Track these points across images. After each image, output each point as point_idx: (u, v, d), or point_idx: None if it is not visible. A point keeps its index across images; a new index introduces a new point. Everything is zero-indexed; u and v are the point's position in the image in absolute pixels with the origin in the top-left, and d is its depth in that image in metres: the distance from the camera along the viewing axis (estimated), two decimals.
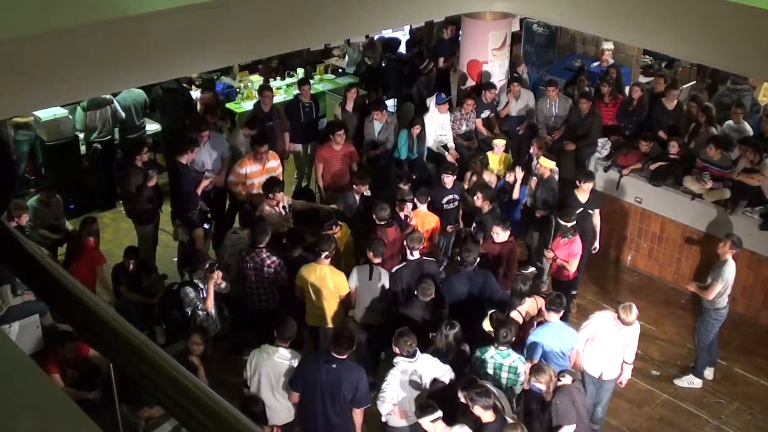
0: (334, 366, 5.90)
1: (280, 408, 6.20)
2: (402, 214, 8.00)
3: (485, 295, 7.18)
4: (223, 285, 7.13)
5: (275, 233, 7.69)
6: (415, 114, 10.46)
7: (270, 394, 6.14)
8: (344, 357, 5.94)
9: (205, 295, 6.96)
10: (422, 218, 8.07)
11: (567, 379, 6.05)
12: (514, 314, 6.87)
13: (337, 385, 5.91)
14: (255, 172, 8.66)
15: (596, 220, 8.54)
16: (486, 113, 10.26)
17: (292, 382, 6.03)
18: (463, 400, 5.73)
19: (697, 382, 7.86)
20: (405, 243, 7.30)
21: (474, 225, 8.39)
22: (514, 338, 6.33)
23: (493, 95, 10.13)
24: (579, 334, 6.81)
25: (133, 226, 8.89)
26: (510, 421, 5.66)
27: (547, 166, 8.73)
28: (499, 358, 6.27)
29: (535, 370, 6.05)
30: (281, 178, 8.92)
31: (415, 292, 6.83)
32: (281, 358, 6.10)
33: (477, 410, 5.65)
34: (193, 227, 7.96)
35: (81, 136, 10.02)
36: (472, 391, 5.64)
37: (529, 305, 7.01)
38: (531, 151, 9.16)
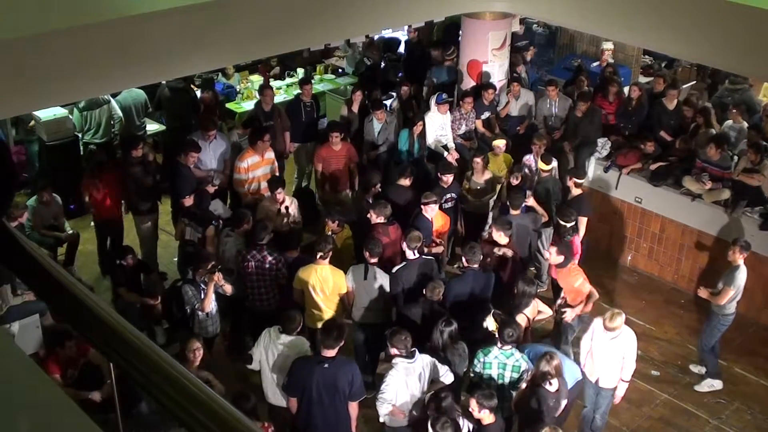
0: (326, 365, 5.91)
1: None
2: (428, 215, 7.91)
3: (487, 295, 7.19)
4: (227, 287, 7.12)
5: (274, 231, 7.70)
6: (419, 110, 10.45)
7: (270, 373, 6.24)
8: (335, 355, 5.95)
9: (204, 295, 6.95)
10: (434, 218, 8.06)
11: (551, 386, 6.01)
12: (520, 318, 6.85)
13: (333, 383, 5.91)
14: (255, 163, 8.76)
15: (580, 229, 8.31)
16: (486, 114, 10.25)
17: (288, 389, 6.05)
18: (474, 406, 5.74)
19: (717, 384, 7.77)
20: (404, 243, 7.29)
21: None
22: (517, 337, 6.34)
23: (492, 96, 10.11)
24: (582, 341, 6.81)
25: (134, 224, 8.90)
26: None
27: (543, 168, 8.72)
28: (503, 358, 6.28)
29: (548, 360, 6.02)
30: (277, 172, 9.06)
31: (424, 291, 6.82)
32: (283, 344, 6.18)
33: (483, 413, 5.71)
34: (206, 225, 7.96)
35: (80, 136, 10.04)
36: (480, 396, 5.68)
37: (531, 307, 7.00)
38: (533, 149, 9.13)
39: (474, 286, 7.14)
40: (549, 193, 8.74)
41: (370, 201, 8.20)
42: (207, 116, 9.79)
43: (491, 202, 9.11)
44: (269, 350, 6.23)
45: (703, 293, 7.60)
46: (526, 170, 9.08)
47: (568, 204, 8.31)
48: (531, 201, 8.38)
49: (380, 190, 8.36)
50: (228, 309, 7.70)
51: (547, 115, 10.26)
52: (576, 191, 8.42)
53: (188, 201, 8.13)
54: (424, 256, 7.34)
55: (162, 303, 7.66)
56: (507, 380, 6.31)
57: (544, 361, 5.99)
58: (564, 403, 6.23)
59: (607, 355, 6.66)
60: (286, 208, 8.25)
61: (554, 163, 8.91)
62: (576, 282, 7.27)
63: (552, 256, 7.33)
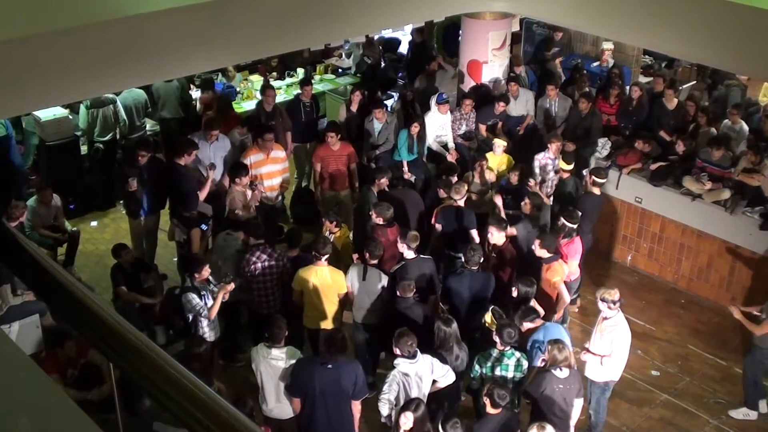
0: (330, 366, 5.91)
1: (285, 404, 6.23)
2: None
3: (485, 295, 7.18)
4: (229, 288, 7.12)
5: (243, 218, 7.90)
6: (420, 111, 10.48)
7: (273, 391, 6.19)
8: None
9: (207, 300, 6.94)
10: None
11: (561, 373, 6.03)
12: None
13: (336, 383, 5.91)
14: (259, 161, 8.78)
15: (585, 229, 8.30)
16: (493, 121, 10.23)
17: (290, 389, 6.03)
18: (485, 400, 5.80)
19: (753, 414, 7.55)
20: (401, 242, 7.29)
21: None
22: (517, 337, 6.35)
23: (503, 108, 10.05)
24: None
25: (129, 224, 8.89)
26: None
27: (564, 168, 8.69)
28: (505, 359, 6.30)
29: (560, 348, 6.04)
30: (287, 171, 9.16)
31: (397, 292, 6.82)
32: (275, 360, 6.12)
33: (489, 407, 5.77)
34: (190, 227, 7.96)
35: (83, 136, 10.03)
36: (497, 396, 5.73)
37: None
38: (549, 147, 9.11)
39: (471, 286, 7.14)
40: (572, 194, 8.68)
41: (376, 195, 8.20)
42: (210, 117, 9.79)
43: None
44: (262, 368, 6.16)
45: (736, 314, 7.22)
46: (538, 169, 9.06)
47: (581, 201, 8.32)
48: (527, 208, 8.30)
49: (387, 188, 8.36)
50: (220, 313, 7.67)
51: (547, 115, 10.26)
52: (595, 190, 8.38)
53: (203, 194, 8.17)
54: (422, 256, 7.34)
55: (161, 310, 7.63)
56: (509, 379, 6.33)
57: (556, 350, 6.03)
58: (575, 398, 6.21)
59: (594, 340, 6.71)
60: (251, 184, 8.29)
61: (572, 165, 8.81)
62: (554, 277, 7.28)
63: (536, 249, 7.35)
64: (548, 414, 6.03)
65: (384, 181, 8.33)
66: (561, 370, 6.03)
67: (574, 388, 6.14)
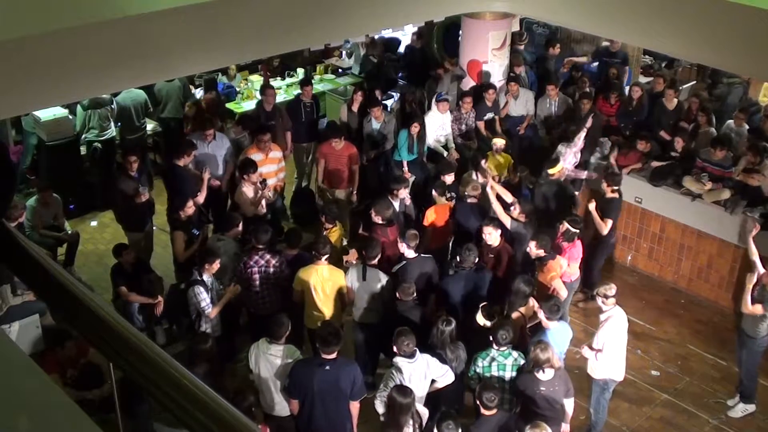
0: (328, 367, 5.89)
1: (283, 401, 6.23)
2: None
3: (481, 294, 7.18)
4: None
5: (254, 216, 7.88)
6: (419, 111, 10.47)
7: (272, 387, 6.19)
8: (335, 356, 5.94)
9: (210, 293, 6.93)
10: (442, 211, 8.12)
11: (544, 374, 6.00)
12: (516, 316, 6.86)
13: (335, 384, 5.91)
14: (259, 161, 8.77)
15: (602, 229, 8.38)
16: (489, 115, 10.21)
17: (289, 391, 6.03)
18: (479, 402, 5.80)
19: (751, 407, 7.57)
20: (401, 242, 7.29)
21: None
22: (512, 338, 6.34)
23: (493, 96, 10.07)
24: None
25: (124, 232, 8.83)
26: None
27: (550, 172, 8.70)
28: (502, 359, 6.28)
29: (543, 348, 6.01)
30: (284, 171, 9.18)
31: (397, 295, 6.80)
32: (274, 356, 6.12)
33: (482, 409, 5.77)
34: (174, 228, 7.94)
35: (81, 136, 10.04)
36: (485, 399, 5.73)
37: (527, 307, 7.01)
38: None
39: (468, 286, 7.14)
40: (546, 197, 8.67)
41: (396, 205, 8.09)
42: (206, 117, 9.79)
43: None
44: (261, 363, 6.17)
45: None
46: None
47: (602, 206, 8.34)
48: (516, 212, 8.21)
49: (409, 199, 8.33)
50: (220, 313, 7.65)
51: (547, 115, 10.26)
52: (611, 195, 8.38)
53: (189, 203, 8.08)
54: (423, 255, 7.35)
55: (165, 307, 7.62)
56: (508, 379, 6.32)
57: (539, 350, 5.97)
58: (563, 398, 6.20)
59: (594, 338, 6.72)
60: (262, 182, 8.27)
61: (560, 166, 8.78)
62: (549, 274, 7.29)
63: (533, 250, 7.35)
64: (533, 412, 6.01)
65: (403, 192, 8.21)
66: (544, 372, 5.98)
67: (559, 390, 6.09)
